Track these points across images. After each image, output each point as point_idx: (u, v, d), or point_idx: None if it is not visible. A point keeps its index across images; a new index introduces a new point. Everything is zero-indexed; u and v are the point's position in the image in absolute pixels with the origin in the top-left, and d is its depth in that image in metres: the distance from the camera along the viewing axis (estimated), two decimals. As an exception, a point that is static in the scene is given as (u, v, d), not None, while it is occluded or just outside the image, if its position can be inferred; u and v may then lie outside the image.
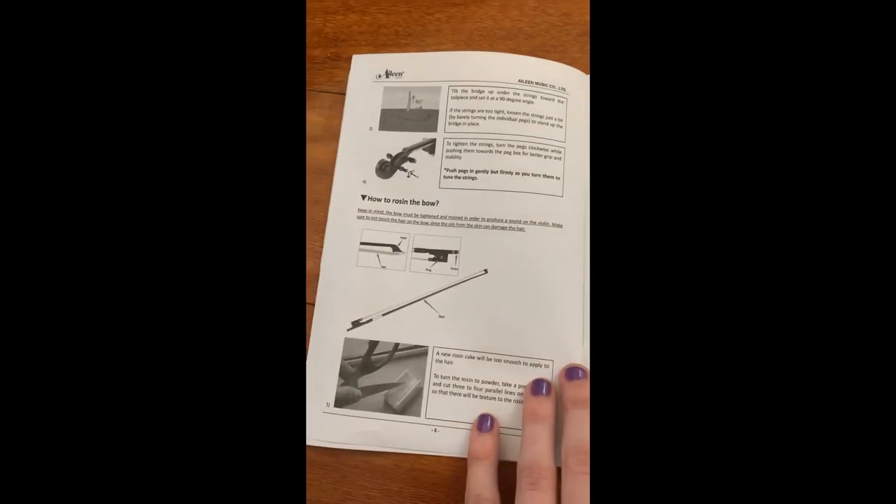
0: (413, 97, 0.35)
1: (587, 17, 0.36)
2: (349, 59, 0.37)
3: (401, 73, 0.36)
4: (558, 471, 0.26)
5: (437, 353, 0.31)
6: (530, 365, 0.30)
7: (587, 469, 0.25)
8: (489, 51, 0.36)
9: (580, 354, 0.30)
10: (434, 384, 0.30)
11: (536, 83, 0.34)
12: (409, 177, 0.34)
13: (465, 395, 0.30)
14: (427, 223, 0.33)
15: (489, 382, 0.30)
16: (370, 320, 0.32)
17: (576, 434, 0.26)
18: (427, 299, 0.32)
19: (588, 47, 0.35)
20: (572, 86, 0.34)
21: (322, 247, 0.33)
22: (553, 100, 0.34)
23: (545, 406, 0.28)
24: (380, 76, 0.36)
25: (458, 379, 0.30)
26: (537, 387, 0.29)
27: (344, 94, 0.36)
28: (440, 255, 0.32)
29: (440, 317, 0.31)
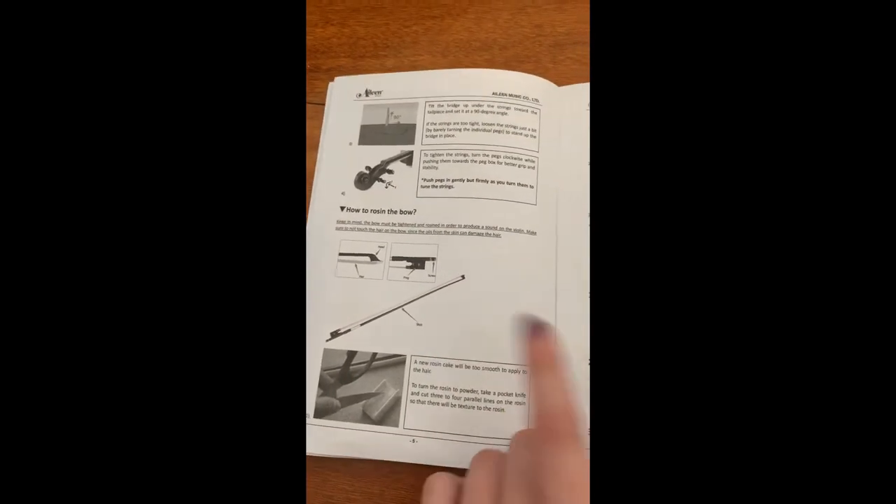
0: (391, 113, 0.36)
1: (559, 29, 0.37)
2: (329, 71, 0.37)
3: (379, 92, 0.36)
4: None
5: (416, 362, 0.31)
6: (509, 371, 0.30)
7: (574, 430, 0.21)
8: (465, 61, 0.36)
9: (555, 360, 0.30)
10: (412, 393, 0.30)
11: (510, 95, 0.34)
12: (387, 187, 0.34)
13: (443, 405, 0.30)
14: (404, 231, 0.33)
15: (468, 391, 0.30)
16: (349, 330, 0.32)
17: (548, 401, 0.22)
18: (405, 307, 0.32)
19: (559, 57, 0.36)
20: (545, 97, 0.35)
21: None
22: (526, 111, 0.34)
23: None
24: (360, 95, 0.37)
25: (436, 388, 0.30)
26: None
27: (323, 104, 0.37)
28: (418, 263, 0.32)
29: (418, 325, 0.31)
